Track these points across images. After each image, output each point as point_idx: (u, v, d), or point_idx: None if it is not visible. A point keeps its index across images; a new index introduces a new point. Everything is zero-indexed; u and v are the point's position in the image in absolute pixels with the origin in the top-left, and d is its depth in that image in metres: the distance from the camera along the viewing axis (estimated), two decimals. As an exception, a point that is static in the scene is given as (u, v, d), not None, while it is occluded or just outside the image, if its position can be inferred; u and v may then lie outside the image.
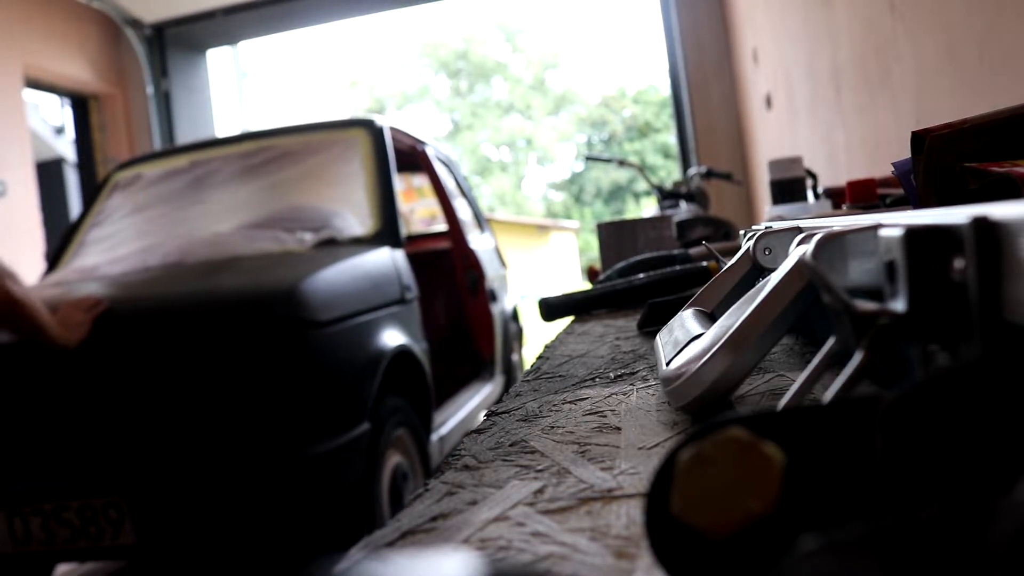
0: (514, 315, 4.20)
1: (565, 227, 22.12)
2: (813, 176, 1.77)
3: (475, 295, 3.44)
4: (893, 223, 0.32)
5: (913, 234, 0.28)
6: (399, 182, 2.80)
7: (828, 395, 0.30)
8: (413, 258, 2.74)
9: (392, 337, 2.22)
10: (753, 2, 4.14)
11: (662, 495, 0.21)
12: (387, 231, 2.51)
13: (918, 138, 0.62)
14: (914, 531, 0.16)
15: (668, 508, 0.21)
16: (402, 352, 2.27)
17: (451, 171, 3.85)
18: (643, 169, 3.08)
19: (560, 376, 0.66)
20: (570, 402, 0.55)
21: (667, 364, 0.49)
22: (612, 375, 0.63)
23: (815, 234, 0.40)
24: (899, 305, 0.29)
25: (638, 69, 34.62)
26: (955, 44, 1.58)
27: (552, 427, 0.48)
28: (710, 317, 0.59)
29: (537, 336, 6.84)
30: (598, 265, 1.79)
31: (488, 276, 3.52)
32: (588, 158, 3.68)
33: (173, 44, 6.18)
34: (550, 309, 1.12)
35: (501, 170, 27.46)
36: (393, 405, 2.19)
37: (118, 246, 2.66)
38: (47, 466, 1.81)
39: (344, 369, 1.93)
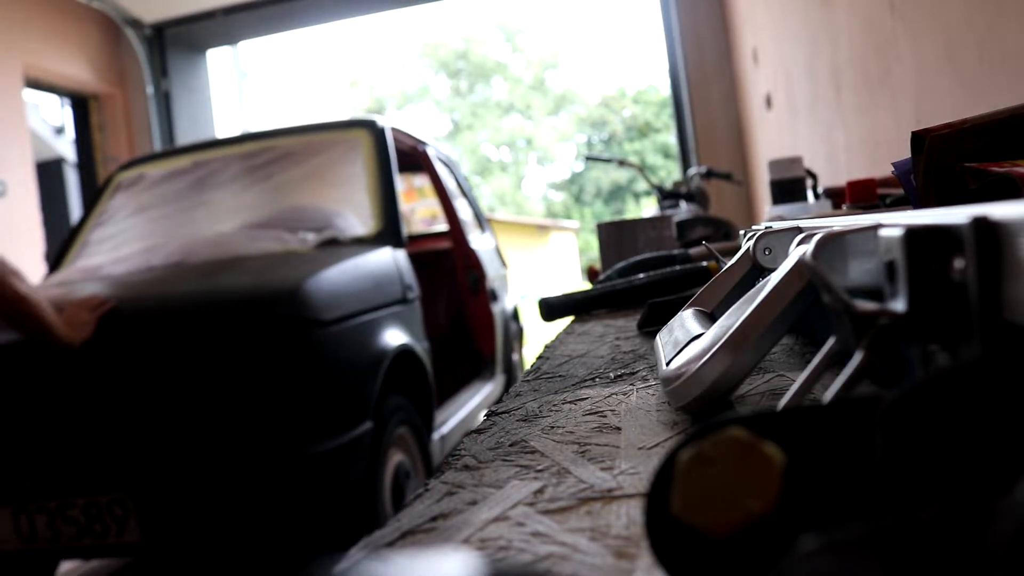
0: (515, 315, 4.21)
1: (565, 227, 22.12)
2: (813, 176, 1.77)
3: (476, 295, 3.45)
4: (893, 223, 0.32)
5: (913, 234, 0.28)
6: (400, 182, 2.80)
7: (828, 395, 0.30)
8: (414, 258, 2.75)
9: (394, 336, 2.23)
10: (753, 2, 4.14)
11: (662, 495, 0.21)
12: (389, 231, 2.52)
13: (918, 138, 0.62)
14: (914, 531, 0.16)
15: (668, 508, 0.21)
16: (404, 351, 2.28)
17: (452, 171, 3.86)
18: (643, 169, 3.08)
19: (560, 376, 0.66)
20: (570, 402, 0.55)
21: (667, 364, 0.49)
22: (612, 375, 0.63)
23: (815, 234, 0.40)
24: (899, 305, 0.29)
25: (638, 69, 34.66)
26: (955, 44, 1.58)
27: (552, 427, 0.48)
28: (710, 317, 0.59)
29: (537, 336, 6.84)
30: (598, 265, 1.80)
31: (489, 276, 3.52)
32: (588, 158, 3.68)
33: (173, 44, 6.18)
34: (550, 309, 1.12)
35: (501, 170, 27.47)
36: (395, 404, 2.20)
37: (121, 246, 2.67)
38: (52, 464, 1.82)
39: (347, 368, 1.94)
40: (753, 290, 0.49)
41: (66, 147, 7.59)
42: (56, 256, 2.85)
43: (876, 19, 2.06)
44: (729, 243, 1.46)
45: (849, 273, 0.39)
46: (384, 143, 2.78)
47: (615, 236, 1.59)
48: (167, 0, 5.86)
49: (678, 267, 1.07)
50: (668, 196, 2.82)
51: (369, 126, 2.86)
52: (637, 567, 0.26)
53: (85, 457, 1.81)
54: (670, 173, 19.41)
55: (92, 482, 1.76)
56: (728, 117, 5.10)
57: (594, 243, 2.32)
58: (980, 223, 0.25)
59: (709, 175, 2.84)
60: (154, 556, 2.51)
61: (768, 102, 3.95)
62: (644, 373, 0.62)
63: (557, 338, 0.91)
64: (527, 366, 1.01)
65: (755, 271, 0.60)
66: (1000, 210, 0.25)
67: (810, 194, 1.74)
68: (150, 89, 5.97)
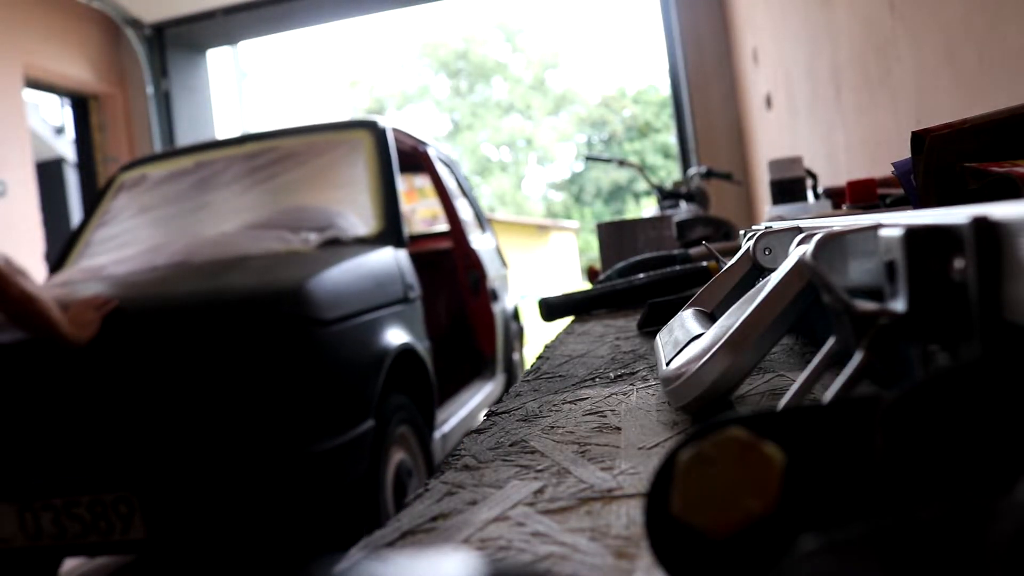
0: (515, 314, 4.21)
1: (565, 227, 22.12)
2: (813, 176, 1.77)
3: (477, 294, 3.45)
4: (893, 223, 0.32)
5: (913, 234, 0.28)
6: (401, 182, 2.81)
7: (828, 395, 0.30)
8: (415, 258, 2.76)
9: (396, 335, 2.24)
10: (753, 2, 4.14)
11: (662, 495, 0.21)
12: (390, 231, 2.53)
13: (918, 138, 0.62)
14: (914, 531, 0.16)
15: (668, 508, 0.21)
16: (405, 350, 2.29)
17: (452, 171, 3.87)
18: (643, 169, 3.08)
19: (560, 376, 0.66)
20: (570, 402, 0.55)
21: (667, 364, 0.49)
22: (612, 375, 0.63)
23: (815, 234, 0.40)
24: (899, 305, 0.29)
25: (638, 69, 34.66)
26: (955, 44, 1.58)
27: (552, 427, 0.48)
28: (710, 317, 0.59)
29: (537, 336, 6.84)
30: (598, 265, 1.80)
31: (489, 276, 3.53)
32: (588, 158, 3.68)
33: (173, 44, 6.18)
34: (550, 309, 1.12)
35: (501, 170, 27.46)
36: (397, 403, 2.22)
37: (124, 246, 2.69)
38: (58, 462, 1.84)
39: (349, 367, 1.96)
40: (753, 290, 0.49)
41: (66, 147, 7.59)
42: (59, 256, 2.86)
43: (876, 19, 2.06)
44: (729, 243, 1.46)
45: (849, 273, 0.38)
46: (385, 144, 2.79)
47: (615, 236, 1.59)
48: (167, 0, 5.86)
49: (678, 267, 1.07)
50: (668, 196, 2.82)
51: (370, 127, 2.87)
52: (637, 567, 0.26)
53: (90, 455, 1.82)
54: (670, 173, 19.41)
55: (97, 480, 1.78)
56: (728, 117, 5.10)
57: (594, 243, 2.32)
58: (980, 223, 0.25)
59: (709, 175, 2.84)
60: (159, 553, 2.52)
61: (768, 102, 3.95)
62: (644, 373, 0.62)
63: (557, 338, 0.91)
64: (527, 366, 1.01)
65: (755, 271, 0.60)
66: (1000, 210, 0.25)
67: (810, 194, 1.74)
68: (150, 89, 5.97)
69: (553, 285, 16.46)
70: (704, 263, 1.05)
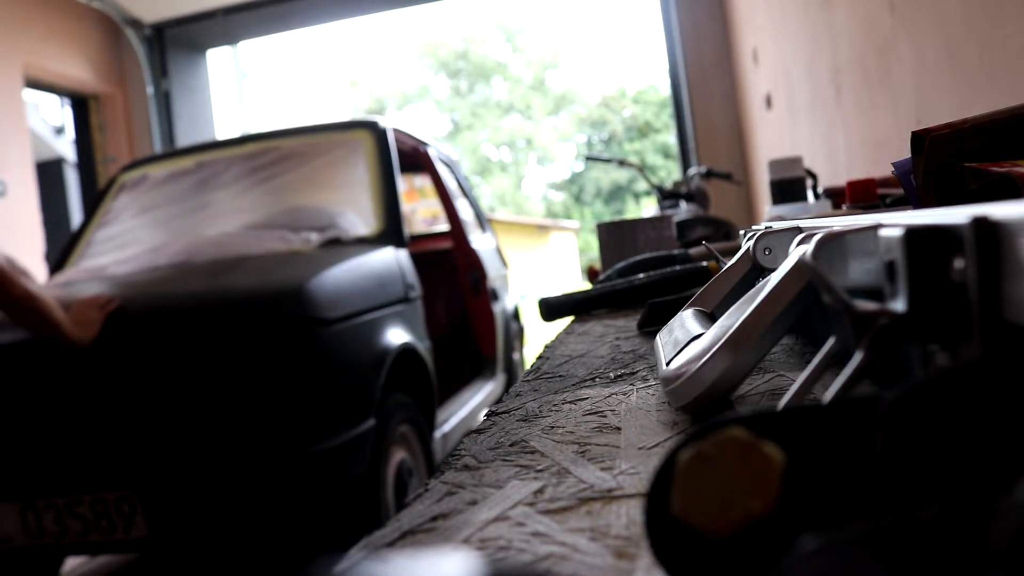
0: (515, 314, 4.22)
1: (565, 227, 22.12)
2: (813, 176, 1.77)
3: (477, 294, 3.46)
4: (893, 223, 0.32)
5: (913, 234, 0.28)
6: (401, 183, 2.82)
7: (828, 395, 0.30)
8: (416, 258, 2.76)
9: (396, 335, 2.25)
10: (753, 2, 4.14)
11: (662, 495, 0.21)
12: (391, 231, 2.54)
13: (918, 138, 0.62)
14: (914, 531, 0.16)
15: (668, 508, 0.21)
16: (406, 350, 2.30)
17: (453, 172, 3.87)
18: (643, 169, 3.08)
19: (560, 376, 0.66)
20: (570, 402, 0.55)
21: (667, 364, 0.49)
22: (612, 375, 0.63)
23: (815, 234, 0.40)
24: (899, 305, 0.29)
25: (638, 69, 34.65)
26: (955, 44, 1.58)
27: (552, 427, 0.48)
28: (710, 317, 0.59)
29: (537, 336, 6.84)
30: (598, 265, 1.80)
31: (490, 276, 3.54)
32: (588, 158, 3.68)
33: (173, 44, 6.18)
34: (550, 309, 1.12)
35: (501, 170, 27.46)
36: (398, 402, 2.23)
37: (125, 246, 2.70)
38: (60, 461, 1.84)
39: (350, 366, 1.97)
40: (753, 290, 0.49)
41: (66, 147, 7.59)
42: (60, 256, 2.87)
43: (876, 19, 2.06)
44: (729, 243, 1.46)
45: (849, 273, 0.39)
46: (386, 144, 2.80)
47: (615, 236, 1.59)
48: (167, 0, 5.86)
49: (678, 267, 1.07)
50: (668, 196, 2.82)
51: (371, 127, 2.88)
52: (637, 567, 0.26)
53: (92, 454, 1.83)
54: (670, 173, 19.41)
55: (99, 479, 1.79)
56: (728, 117, 5.10)
57: (594, 243, 2.32)
58: (980, 223, 0.25)
59: (709, 175, 2.84)
60: (161, 552, 2.53)
61: (768, 102, 3.95)
62: (644, 373, 0.62)
63: (557, 338, 0.91)
64: (528, 366, 1.01)
65: (755, 271, 0.60)
66: (1000, 210, 0.25)
67: (810, 194, 1.74)
68: (150, 89, 5.97)
69: (553, 285, 16.47)
70: (704, 263, 1.05)
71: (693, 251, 1.23)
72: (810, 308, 0.41)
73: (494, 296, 3.55)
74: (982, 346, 0.26)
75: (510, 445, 0.45)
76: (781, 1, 3.40)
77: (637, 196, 24.51)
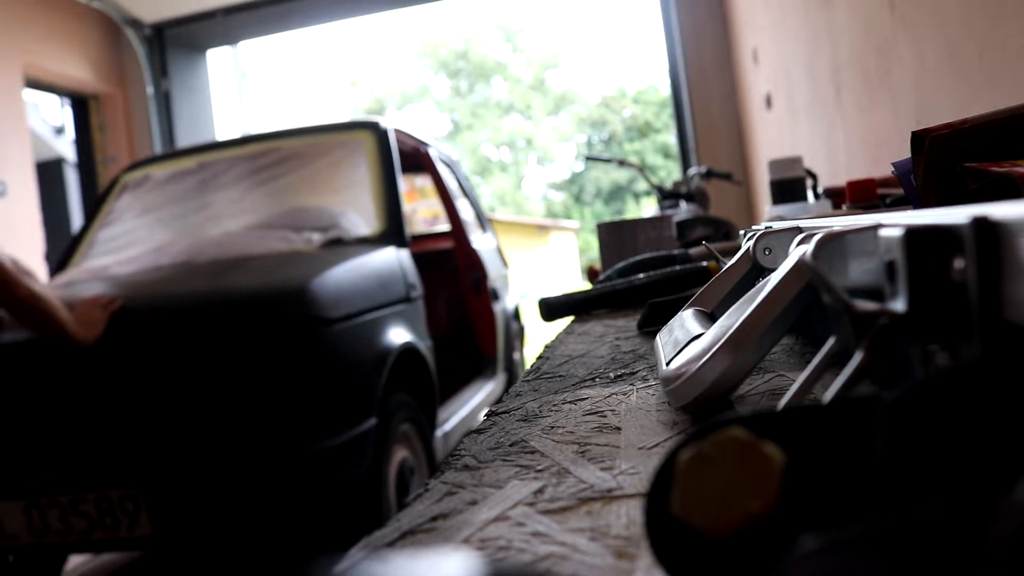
0: (516, 314, 4.22)
1: (565, 227, 22.12)
2: (813, 176, 1.77)
3: (478, 294, 3.47)
4: (893, 223, 0.32)
5: (913, 234, 0.28)
6: (402, 183, 2.82)
7: (828, 395, 0.30)
8: (417, 258, 2.77)
9: (398, 335, 2.26)
10: (753, 2, 4.14)
11: (662, 495, 0.21)
12: (392, 231, 2.54)
13: (918, 138, 0.62)
14: (914, 531, 0.16)
15: (668, 508, 0.21)
16: (407, 349, 2.31)
17: (453, 172, 3.88)
18: (643, 169, 3.08)
19: (560, 376, 0.66)
20: (570, 402, 0.55)
21: (667, 364, 0.49)
22: (612, 375, 0.63)
23: (815, 234, 0.40)
24: (899, 305, 0.29)
25: (638, 69, 34.65)
26: (955, 44, 1.58)
27: (552, 427, 0.48)
28: (710, 317, 0.59)
29: (537, 336, 6.84)
30: (598, 265, 1.80)
31: (490, 275, 3.55)
32: (588, 158, 3.68)
33: (173, 44, 6.18)
34: (550, 309, 1.12)
35: (501, 170, 27.46)
36: (399, 401, 2.23)
37: (128, 246, 2.71)
38: (64, 459, 1.85)
39: (352, 365, 1.97)
40: (753, 290, 0.49)
41: (66, 147, 7.59)
42: (62, 257, 2.87)
43: (876, 19, 2.06)
44: (729, 243, 1.46)
45: (849, 273, 0.38)
46: (387, 144, 2.80)
47: (615, 236, 1.59)
48: (167, 0, 5.86)
49: (678, 267, 1.07)
50: (668, 196, 2.82)
51: (372, 127, 2.89)
52: (637, 567, 0.26)
53: (96, 453, 1.84)
54: (670, 173, 19.40)
55: (103, 477, 1.79)
56: (728, 117, 5.10)
57: (594, 243, 2.32)
58: (980, 223, 0.25)
59: (709, 175, 2.84)
60: (165, 550, 2.53)
61: (768, 102, 3.95)
62: (644, 373, 0.62)
63: (557, 338, 0.91)
64: (528, 365, 1.01)
65: (755, 271, 0.60)
66: (1000, 210, 0.25)
67: (810, 194, 1.74)
68: (150, 89, 5.97)
69: (553, 285, 16.47)
70: (704, 263, 1.05)
71: (693, 251, 1.23)
72: (810, 308, 0.41)
73: (495, 296, 3.56)
74: (982, 346, 0.26)
75: (510, 445, 0.45)
76: (781, 1, 3.40)
77: (637, 196, 24.51)
